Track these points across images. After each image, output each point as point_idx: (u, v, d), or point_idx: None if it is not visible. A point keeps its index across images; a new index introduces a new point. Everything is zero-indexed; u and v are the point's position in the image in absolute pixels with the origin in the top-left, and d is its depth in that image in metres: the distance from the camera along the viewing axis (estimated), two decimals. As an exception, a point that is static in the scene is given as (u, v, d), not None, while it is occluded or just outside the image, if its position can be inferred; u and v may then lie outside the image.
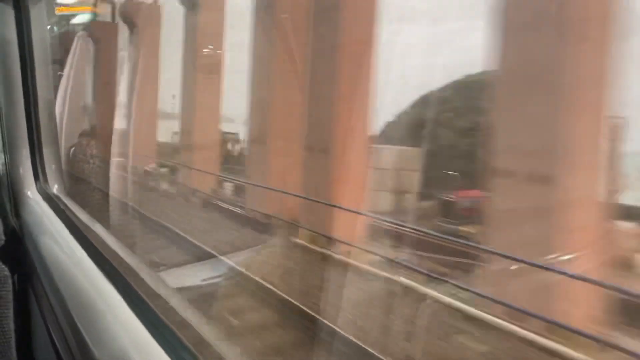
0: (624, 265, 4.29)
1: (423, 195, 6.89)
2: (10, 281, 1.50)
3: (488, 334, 3.86)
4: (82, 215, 2.05)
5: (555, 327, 3.65)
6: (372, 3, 6.20)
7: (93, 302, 1.23)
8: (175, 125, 11.81)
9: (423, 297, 4.20)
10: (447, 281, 4.46)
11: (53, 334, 1.44)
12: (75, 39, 10.84)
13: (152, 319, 1.04)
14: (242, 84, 9.15)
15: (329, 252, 5.69)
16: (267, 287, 5.12)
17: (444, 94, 7.76)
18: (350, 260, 5.27)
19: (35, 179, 2.35)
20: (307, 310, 4.49)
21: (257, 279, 5.22)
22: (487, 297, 4.08)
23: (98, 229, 1.91)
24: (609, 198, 4.28)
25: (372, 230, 5.74)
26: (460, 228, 6.07)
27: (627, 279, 4.11)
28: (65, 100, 8.91)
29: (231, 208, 8.90)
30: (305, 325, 4.38)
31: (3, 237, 1.66)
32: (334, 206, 5.79)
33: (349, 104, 6.09)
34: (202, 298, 4.43)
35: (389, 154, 7.40)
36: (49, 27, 2.70)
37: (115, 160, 8.57)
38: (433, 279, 4.51)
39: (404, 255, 4.92)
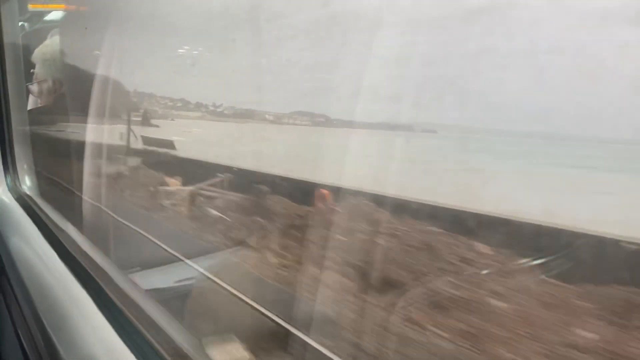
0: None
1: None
2: (-23, 283, 1.47)
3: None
4: (54, 216, 2.01)
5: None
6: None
7: (63, 304, 1.21)
8: None
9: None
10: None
11: (22, 337, 1.42)
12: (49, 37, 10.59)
13: (122, 322, 1.03)
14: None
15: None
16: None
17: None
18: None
19: (6, 178, 2.31)
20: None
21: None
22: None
23: (70, 229, 1.87)
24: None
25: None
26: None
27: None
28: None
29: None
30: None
31: (-29, 239, 1.62)
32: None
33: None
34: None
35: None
36: (20, 24, 2.64)
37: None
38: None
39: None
